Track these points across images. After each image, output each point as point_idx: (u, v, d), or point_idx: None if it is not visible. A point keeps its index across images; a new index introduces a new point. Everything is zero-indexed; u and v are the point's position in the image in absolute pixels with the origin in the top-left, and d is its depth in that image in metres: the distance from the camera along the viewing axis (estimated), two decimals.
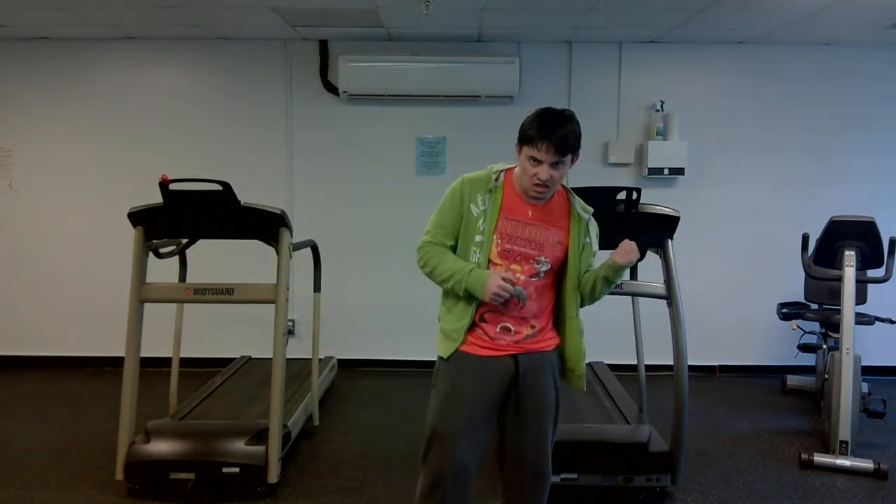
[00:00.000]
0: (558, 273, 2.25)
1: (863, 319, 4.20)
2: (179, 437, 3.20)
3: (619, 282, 2.24)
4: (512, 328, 2.17)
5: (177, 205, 3.12)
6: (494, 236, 2.15)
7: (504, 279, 2.09)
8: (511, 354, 2.18)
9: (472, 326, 2.19)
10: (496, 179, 2.18)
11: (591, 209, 2.29)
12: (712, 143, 5.11)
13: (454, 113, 5.12)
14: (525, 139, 2.09)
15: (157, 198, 3.12)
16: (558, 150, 2.04)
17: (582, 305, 2.30)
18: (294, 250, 3.41)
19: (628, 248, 2.13)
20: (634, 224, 3.08)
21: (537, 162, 2.07)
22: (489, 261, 2.16)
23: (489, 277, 2.09)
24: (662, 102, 5.05)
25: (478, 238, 2.15)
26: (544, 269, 2.18)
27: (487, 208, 2.15)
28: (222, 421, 3.50)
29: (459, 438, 2.12)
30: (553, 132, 2.02)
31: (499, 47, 5.08)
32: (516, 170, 2.21)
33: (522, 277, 2.16)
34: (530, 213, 2.18)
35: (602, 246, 3.60)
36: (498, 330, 2.17)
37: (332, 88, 5.09)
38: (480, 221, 2.15)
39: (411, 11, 4.20)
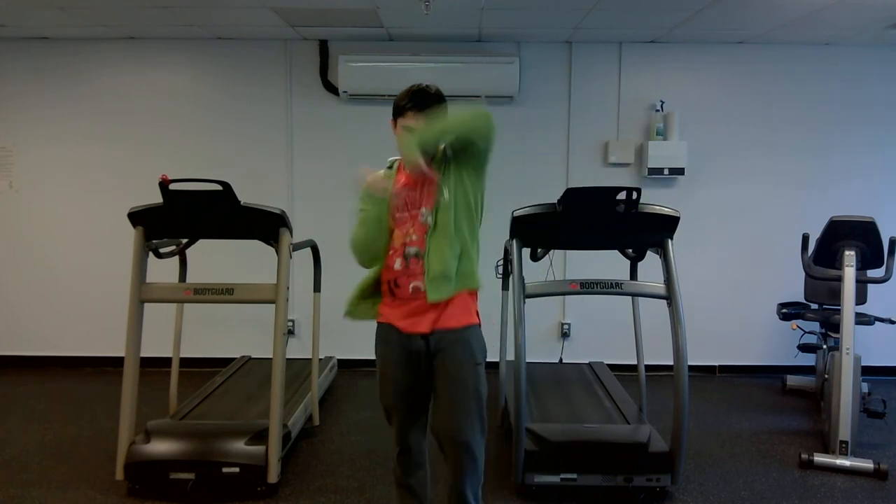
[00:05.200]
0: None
1: (863, 319, 4.20)
2: (179, 437, 3.20)
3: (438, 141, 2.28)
4: (422, 286, 2.27)
5: (177, 205, 3.12)
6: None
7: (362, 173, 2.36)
8: (423, 335, 2.29)
9: (391, 297, 2.33)
10: (390, 168, 2.47)
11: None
12: (712, 143, 5.10)
13: None
14: (399, 113, 2.32)
15: (157, 198, 3.12)
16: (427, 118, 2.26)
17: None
18: (294, 250, 3.41)
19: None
20: (634, 224, 3.08)
21: (410, 129, 2.28)
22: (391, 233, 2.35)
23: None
24: (662, 102, 5.04)
25: None
26: (431, 219, 2.28)
27: None
28: (222, 421, 3.51)
29: (395, 411, 2.41)
30: (424, 106, 2.27)
31: (499, 47, 5.08)
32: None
33: (416, 237, 2.28)
34: (403, 178, 2.37)
35: (601, 246, 3.65)
36: (410, 291, 2.28)
37: (332, 88, 5.09)
38: None
39: (411, 11, 4.20)
